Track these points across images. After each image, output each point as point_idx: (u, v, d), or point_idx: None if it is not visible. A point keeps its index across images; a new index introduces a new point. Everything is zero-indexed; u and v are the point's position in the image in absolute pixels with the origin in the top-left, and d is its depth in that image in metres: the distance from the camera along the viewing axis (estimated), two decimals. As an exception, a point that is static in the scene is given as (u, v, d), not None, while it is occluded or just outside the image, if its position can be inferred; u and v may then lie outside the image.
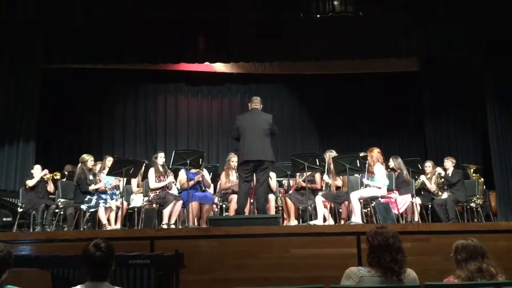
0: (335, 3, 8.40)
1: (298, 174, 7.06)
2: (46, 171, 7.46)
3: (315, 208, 6.74)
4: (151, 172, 6.96)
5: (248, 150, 5.95)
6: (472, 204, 7.62)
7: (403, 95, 10.76)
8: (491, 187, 8.43)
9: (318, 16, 8.55)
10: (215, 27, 8.71)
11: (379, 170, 6.60)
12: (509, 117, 8.46)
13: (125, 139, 10.63)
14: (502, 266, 3.05)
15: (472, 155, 9.79)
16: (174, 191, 7.11)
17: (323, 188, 7.02)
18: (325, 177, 6.98)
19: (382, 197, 6.61)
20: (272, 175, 7.10)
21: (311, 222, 6.56)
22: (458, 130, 10.14)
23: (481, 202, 7.83)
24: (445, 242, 4.00)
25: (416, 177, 7.64)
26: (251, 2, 8.30)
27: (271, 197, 6.87)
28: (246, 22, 8.60)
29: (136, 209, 7.19)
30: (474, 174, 8.48)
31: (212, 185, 7.46)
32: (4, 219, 7.67)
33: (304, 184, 6.82)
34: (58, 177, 7.63)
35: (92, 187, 6.92)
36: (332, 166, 6.74)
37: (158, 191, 6.85)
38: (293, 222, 6.81)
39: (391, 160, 7.43)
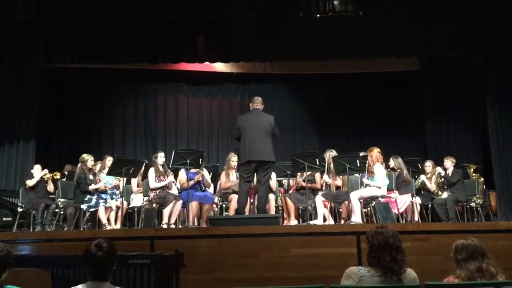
0: (335, 2, 8.40)
1: (298, 174, 7.05)
2: (46, 171, 7.46)
3: (315, 208, 6.75)
4: (151, 172, 6.96)
5: (250, 150, 5.94)
6: (472, 204, 7.62)
7: (403, 95, 10.77)
8: (491, 186, 8.44)
9: (318, 15, 8.55)
10: (215, 26, 8.70)
11: (379, 169, 6.60)
12: (509, 117, 8.47)
13: (125, 139, 10.63)
14: (502, 265, 3.05)
15: (472, 155, 9.79)
16: (174, 191, 7.11)
17: (323, 188, 7.02)
18: (325, 176, 6.98)
19: (382, 196, 6.62)
20: (272, 175, 7.09)
21: (311, 222, 6.56)
22: (458, 130, 10.15)
23: (481, 202, 7.83)
24: (445, 242, 4.00)
25: (416, 176, 7.64)
26: (251, 2, 8.30)
27: (271, 196, 6.87)
28: (246, 22, 8.59)
29: (136, 209, 7.20)
30: (474, 174, 8.49)
31: (212, 185, 7.47)
32: (4, 218, 7.67)
33: (304, 184, 6.82)
34: (58, 177, 7.63)
35: (92, 187, 6.92)
36: (332, 165, 6.74)
37: (158, 191, 6.85)
38: (293, 221, 6.81)
39: (391, 159, 7.43)
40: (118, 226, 6.82)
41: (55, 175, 7.58)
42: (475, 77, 9.37)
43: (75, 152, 8.68)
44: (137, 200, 7.31)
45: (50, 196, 7.54)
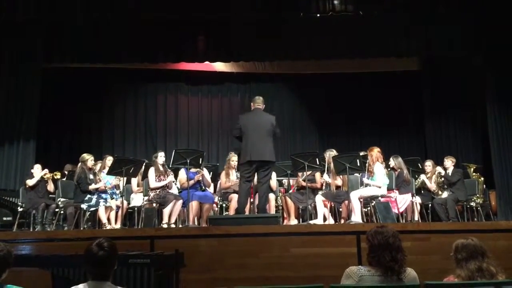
0: (335, 2, 8.41)
1: (299, 173, 7.05)
2: (46, 170, 7.46)
3: (315, 208, 6.75)
4: (151, 171, 6.96)
5: (251, 150, 5.94)
6: (472, 203, 7.62)
7: (403, 94, 10.76)
8: (491, 186, 8.44)
9: (318, 15, 8.55)
10: (215, 26, 8.70)
11: (379, 169, 6.60)
12: (509, 116, 8.47)
13: (125, 139, 10.63)
14: (502, 265, 3.05)
15: (472, 155, 9.79)
16: (174, 190, 7.11)
17: (323, 187, 7.02)
18: (325, 176, 6.98)
19: (382, 196, 6.62)
20: (272, 174, 7.09)
21: (311, 222, 6.57)
22: (458, 130, 10.15)
23: (481, 201, 7.84)
24: (445, 241, 4.00)
25: (416, 176, 7.65)
26: (251, 2, 8.30)
27: (271, 196, 6.87)
28: (246, 21, 8.59)
29: (136, 209, 7.20)
30: (474, 174, 8.49)
31: (212, 185, 7.47)
32: (4, 218, 7.68)
33: (304, 184, 6.82)
34: (58, 176, 7.63)
35: (92, 187, 6.92)
36: (332, 165, 6.74)
37: (158, 191, 6.85)
38: (293, 221, 6.81)
39: (391, 159, 7.43)
40: (118, 225, 6.82)
41: (55, 174, 7.58)
42: (475, 77, 9.37)
43: (75, 152, 8.69)
44: (137, 199, 7.32)
45: (50, 195, 7.55)
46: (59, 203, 7.20)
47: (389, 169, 7.32)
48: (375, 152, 6.73)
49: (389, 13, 8.50)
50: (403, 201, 7.03)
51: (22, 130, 8.42)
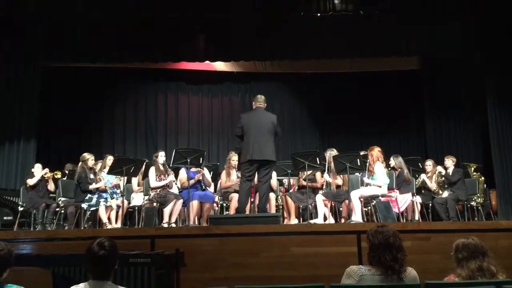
0: (336, 2, 8.44)
1: (300, 173, 7.05)
2: (46, 170, 7.46)
3: (315, 207, 6.75)
4: (152, 171, 6.96)
5: (253, 149, 5.92)
6: (473, 203, 7.62)
7: (403, 94, 10.76)
8: (491, 185, 8.45)
9: (319, 15, 8.55)
10: (215, 25, 8.70)
11: (379, 168, 6.59)
12: (509, 116, 8.47)
13: (125, 138, 10.64)
14: (503, 264, 3.05)
15: (472, 154, 9.79)
16: (174, 190, 7.11)
17: (324, 187, 7.02)
18: (326, 175, 6.98)
19: (383, 195, 6.61)
20: (273, 174, 7.09)
21: (312, 221, 6.56)
22: (459, 129, 10.15)
23: (481, 201, 7.84)
24: (446, 241, 4.00)
25: (417, 175, 7.64)
26: (252, 2, 8.30)
27: (272, 195, 6.87)
28: (246, 21, 8.59)
29: (136, 208, 7.21)
30: (474, 173, 8.48)
31: (212, 184, 7.47)
32: (5, 218, 7.68)
33: (304, 183, 6.82)
34: (59, 176, 7.63)
35: (92, 186, 6.91)
36: (332, 164, 6.74)
37: (158, 190, 6.85)
38: (294, 220, 6.81)
39: (391, 159, 7.42)
40: (119, 225, 6.83)
41: (56, 174, 7.59)
42: (475, 76, 9.36)
43: (76, 151, 8.68)
44: (138, 199, 7.32)
45: (51, 195, 7.55)
46: (60, 202, 7.21)
47: (389, 169, 7.32)
48: (376, 151, 6.73)
49: (389, 12, 8.50)
50: (403, 200, 7.03)
51: (22, 129, 8.43)
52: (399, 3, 8.48)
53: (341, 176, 6.95)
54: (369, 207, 6.84)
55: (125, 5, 8.18)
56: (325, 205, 6.83)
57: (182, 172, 7.09)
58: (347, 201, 6.59)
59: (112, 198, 7.13)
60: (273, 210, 6.83)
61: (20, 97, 8.50)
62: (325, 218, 6.68)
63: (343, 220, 6.72)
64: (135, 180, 7.42)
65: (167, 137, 10.74)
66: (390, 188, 6.86)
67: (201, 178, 6.99)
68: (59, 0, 8.21)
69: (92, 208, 6.92)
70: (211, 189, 7.35)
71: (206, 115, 10.98)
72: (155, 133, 10.77)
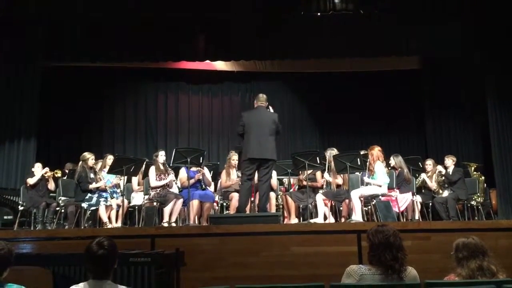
0: (336, 1, 8.44)
1: (301, 172, 7.05)
2: (47, 169, 7.46)
3: (315, 206, 6.74)
4: (152, 170, 6.96)
5: (253, 148, 5.92)
6: (473, 202, 7.62)
7: (403, 93, 10.75)
8: (491, 185, 8.44)
9: (319, 14, 8.55)
10: (215, 25, 8.70)
11: (380, 168, 6.59)
12: (509, 115, 8.47)
13: (125, 137, 10.64)
14: (503, 264, 3.05)
15: (472, 153, 9.79)
16: (174, 189, 7.11)
17: (324, 186, 7.02)
18: (326, 175, 6.98)
19: (383, 195, 6.61)
20: (273, 173, 7.09)
21: (312, 220, 6.56)
22: (459, 128, 10.15)
23: (481, 200, 7.84)
24: (446, 240, 4.00)
25: (417, 175, 7.64)
26: (252, 1, 8.30)
27: (272, 195, 6.86)
28: (247, 20, 8.59)
29: (136, 207, 7.21)
30: (474, 172, 8.48)
31: (212, 183, 7.47)
32: (5, 217, 7.69)
33: (304, 182, 6.82)
34: (59, 175, 7.64)
35: (92, 186, 6.91)
36: (332, 164, 6.74)
37: (158, 189, 6.85)
38: (294, 220, 6.81)
39: (391, 158, 7.42)
40: (119, 224, 6.83)
41: (56, 173, 7.59)
42: (475, 75, 9.36)
43: (76, 151, 8.68)
44: (138, 198, 7.32)
45: (51, 194, 7.55)
46: (60, 201, 7.21)
47: (389, 168, 7.31)
48: (376, 151, 6.73)
49: (389, 12, 8.50)
50: (403, 200, 7.02)
51: (22, 129, 8.44)
52: (399, 3, 8.48)
53: (341, 175, 6.95)
54: (369, 207, 6.84)
55: (125, 5, 8.18)
56: (325, 205, 6.82)
57: (182, 172, 7.09)
58: (347, 201, 6.59)
59: (112, 197, 7.13)
60: (273, 210, 6.83)
61: (20, 97, 8.50)
62: (325, 218, 6.68)
63: (343, 220, 6.72)
64: (135, 180, 7.42)
65: (167, 136, 10.74)
66: (390, 188, 6.85)
67: (201, 177, 7.00)
68: (59, 0, 8.21)
69: (92, 208, 6.92)
70: (211, 188, 7.35)
71: (206, 114, 10.98)
72: (155, 132, 10.77)
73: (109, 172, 6.89)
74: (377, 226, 3.05)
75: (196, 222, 6.77)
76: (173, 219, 6.63)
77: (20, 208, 7.26)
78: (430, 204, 7.39)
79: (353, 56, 9.22)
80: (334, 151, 7.11)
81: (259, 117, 6.13)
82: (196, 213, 6.75)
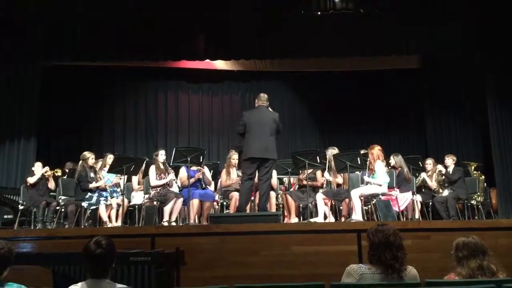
0: (336, 0, 8.40)
1: (301, 171, 7.05)
2: (47, 168, 7.46)
3: (315, 206, 6.75)
4: (152, 169, 6.96)
5: (254, 147, 5.92)
6: (473, 202, 7.62)
7: (403, 92, 10.75)
8: (492, 184, 8.45)
9: (319, 13, 8.54)
10: (215, 25, 8.70)
11: (380, 167, 6.59)
12: (509, 115, 8.47)
13: (125, 137, 10.64)
14: (503, 263, 3.05)
15: (472, 153, 9.79)
16: (174, 188, 7.11)
17: (324, 186, 7.02)
18: (326, 174, 6.98)
19: (383, 194, 6.61)
20: (273, 172, 7.09)
21: (312, 220, 6.56)
22: (459, 128, 10.15)
23: (481, 200, 7.83)
24: (446, 240, 4.00)
25: (417, 174, 7.63)
26: (252, 1, 8.30)
27: (272, 194, 6.86)
28: (247, 20, 8.59)
29: (136, 207, 7.21)
30: (475, 172, 8.48)
31: (212, 183, 7.47)
32: (5, 216, 7.69)
33: (305, 182, 6.82)
34: (59, 174, 7.64)
35: (92, 185, 6.91)
36: (333, 163, 6.74)
37: (158, 189, 6.85)
38: (294, 219, 6.81)
39: (391, 157, 7.42)
40: (119, 223, 6.82)
41: (56, 172, 7.59)
42: (475, 74, 9.36)
43: (76, 150, 8.67)
44: (138, 197, 7.32)
45: (51, 193, 7.55)
46: (60, 201, 7.21)
47: (389, 167, 7.31)
48: (376, 150, 6.73)
49: (390, 11, 8.50)
50: (403, 199, 7.02)
51: (22, 128, 8.44)
52: (399, 2, 8.48)
53: (342, 174, 6.95)
54: (370, 206, 6.84)
55: (125, 5, 8.18)
56: (326, 204, 6.83)
57: (182, 171, 7.10)
58: (347, 200, 6.59)
59: (112, 196, 7.13)
60: (273, 209, 6.82)
61: (20, 96, 8.51)
62: (325, 217, 6.68)
63: (343, 219, 6.72)
64: (135, 179, 7.43)
65: (167, 135, 10.75)
66: (390, 187, 6.85)
67: (201, 176, 7.00)
68: (59, 0, 8.21)
69: (92, 207, 6.92)
70: (211, 187, 7.35)
71: (206, 113, 10.98)
72: (155, 131, 10.78)
73: (109, 171, 6.89)
74: (377, 225, 3.05)
75: (196, 221, 6.77)
76: (173, 218, 6.63)
77: (20, 207, 7.26)
78: (430, 203, 7.39)
79: (353, 55, 9.22)
80: (335, 150, 7.11)
81: (260, 117, 6.13)
82: (196, 212, 6.75)
